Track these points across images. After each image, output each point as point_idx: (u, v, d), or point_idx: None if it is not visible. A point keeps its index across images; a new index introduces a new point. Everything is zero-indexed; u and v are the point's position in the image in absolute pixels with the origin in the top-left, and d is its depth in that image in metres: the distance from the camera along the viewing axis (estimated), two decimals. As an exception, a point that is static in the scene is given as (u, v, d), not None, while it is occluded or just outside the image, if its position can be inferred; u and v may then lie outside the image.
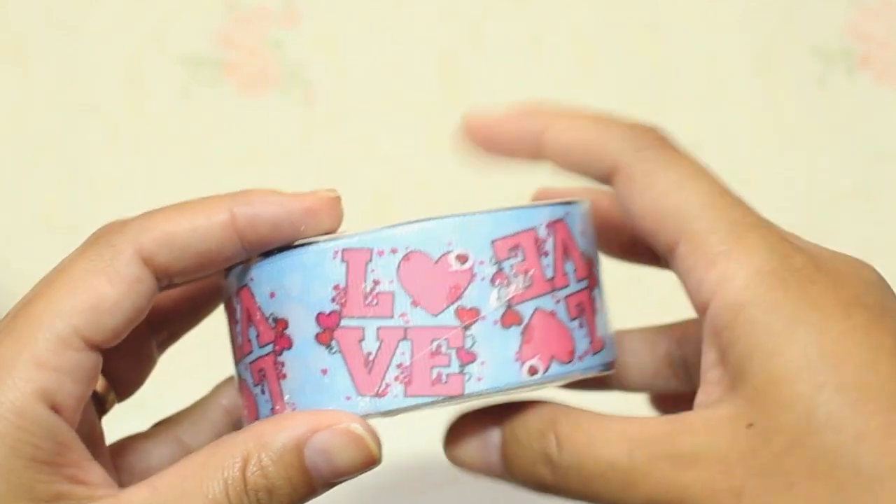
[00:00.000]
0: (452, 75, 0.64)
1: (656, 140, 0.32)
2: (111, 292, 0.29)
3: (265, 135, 0.63)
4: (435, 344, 0.29)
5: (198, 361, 0.60)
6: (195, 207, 0.32)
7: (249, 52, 0.64)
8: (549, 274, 0.31)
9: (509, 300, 0.30)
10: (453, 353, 0.29)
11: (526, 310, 0.30)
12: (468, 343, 0.30)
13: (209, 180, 0.62)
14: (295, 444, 0.29)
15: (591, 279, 0.33)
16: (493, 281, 0.30)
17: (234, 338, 0.33)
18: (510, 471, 0.32)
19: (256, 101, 0.63)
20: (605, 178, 0.32)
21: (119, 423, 0.60)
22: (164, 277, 0.31)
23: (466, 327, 0.30)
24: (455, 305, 0.29)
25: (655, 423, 0.30)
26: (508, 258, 0.30)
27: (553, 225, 0.32)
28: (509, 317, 0.30)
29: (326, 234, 0.30)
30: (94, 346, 0.30)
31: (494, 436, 0.32)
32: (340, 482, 0.30)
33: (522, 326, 0.30)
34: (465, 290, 0.30)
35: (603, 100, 0.64)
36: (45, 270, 0.64)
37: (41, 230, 0.61)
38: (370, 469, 0.30)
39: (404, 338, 0.29)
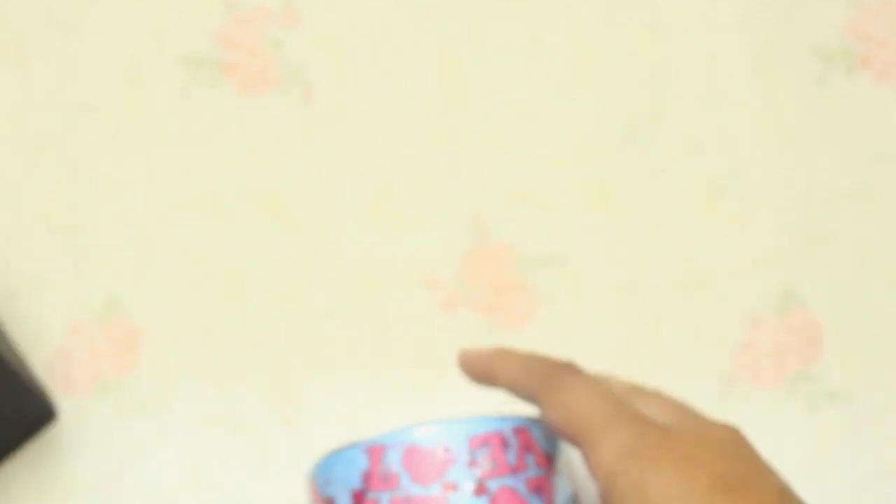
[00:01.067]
0: (452, 75, 0.64)
1: (561, 371, 0.43)
2: None
3: (265, 135, 0.63)
4: None
5: (198, 363, 0.61)
6: None
7: (249, 52, 0.64)
8: (513, 461, 0.43)
9: (480, 477, 0.42)
10: None
11: (493, 485, 0.42)
12: None
13: (209, 180, 0.62)
14: None
15: (551, 469, 0.44)
16: (469, 464, 0.42)
17: None
18: None
19: (256, 101, 0.63)
20: (532, 401, 0.44)
21: (120, 424, 0.60)
22: None
23: (448, 496, 0.42)
24: (441, 481, 0.42)
25: None
26: (480, 449, 0.43)
27: (517, 430, 0.44)
28: (480, 489, 0.42)
29: None
30: None
31: None
32: None
33: (490, 496, 0.42)
34: (447, 470, 0.42)
35: (603, 100, 0.64)
36: (45, 270, 0.64)
37: (41, 230, 0.61)
38: None
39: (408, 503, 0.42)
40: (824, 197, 0.63)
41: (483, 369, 0.47)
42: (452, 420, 0.44)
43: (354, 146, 0.63)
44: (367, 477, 0.42)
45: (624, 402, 0.42)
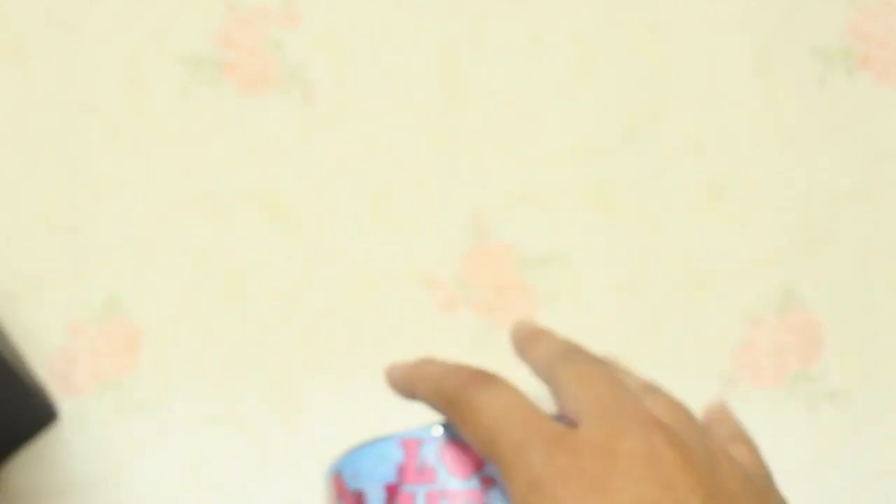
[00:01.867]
0: (452, 75, 0.64)
1: (476, 381, 0.40)
2: None
3: (265, 135, 0.63)
4: (464, 501, 0.41)
5: (198, 363, 0.60)
6: None
7: (249, 52, 0.64)
8: None
9: None
10: None
11: None
12: (487, 500, 0.41)
13: (209, 180, 0.62)
14: None
15: None
16: None
17: None
18: None
19: (256, 101, 0.63)
20: (448, 416, 0.41)
21: (120, 424, 0.60)
22: None
23: (486, 491, 0.41)
24: (479, 475, 0.41)
25: None
26: None
27: None
28: None
29: None
30: None
31: None
32: None
33: None
34: (485, 465, 0.41)
35: (603, 100, 0.64)
36: (45, 270, 0.64)
37: (41, 230, 0.61)
38: None
39: (444, 497, 0.41)
40: (824, 197, 0.63)
41: (404, 381, 0.44)
42: None
43: (354, 146, 0.63)
44: (402, 470, 0.42)
45: (538, 414, 0.38)
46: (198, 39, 0.64)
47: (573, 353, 0.41)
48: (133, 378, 0.60)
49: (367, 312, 0.61)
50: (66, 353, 0.60)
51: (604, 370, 0.40)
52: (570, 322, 0.61)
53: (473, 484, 0.41)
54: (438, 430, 0.42)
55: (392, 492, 0.42)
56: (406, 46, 0.65)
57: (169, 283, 0.61)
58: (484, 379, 0.40)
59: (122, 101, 0.63)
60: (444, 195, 0.63)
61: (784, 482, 0.59)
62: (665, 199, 0.63)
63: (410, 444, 0.42)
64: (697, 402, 0.60)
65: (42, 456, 0.58)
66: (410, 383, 0.44)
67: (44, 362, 0.60)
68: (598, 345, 0.61)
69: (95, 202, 0.62)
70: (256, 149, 0.63)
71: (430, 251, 0.62)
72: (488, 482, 0.41)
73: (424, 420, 0.59)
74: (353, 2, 0.65)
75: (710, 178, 0.63)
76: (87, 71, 0.63)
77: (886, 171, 0.63)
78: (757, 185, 0.63)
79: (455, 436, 0.42)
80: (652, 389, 0.41)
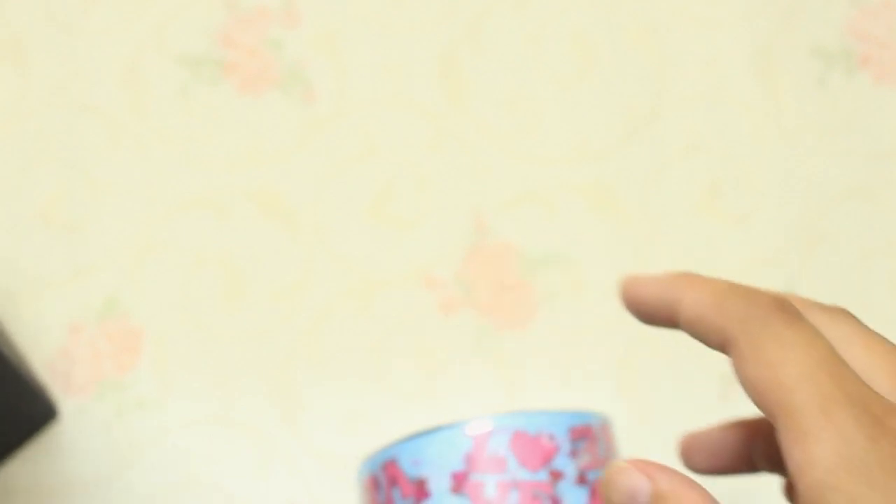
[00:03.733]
0: (452, 75, 0.64)
1: (769, 311, 0.32)
2: None
3: (265, 135, 0.63)
4: (534, 492, 0.42)
5: (197, 363, 0.60)
6: None
7: (249, 52, 0.64)
8: (602, 454, 0.44)
9: (581, 468, 0.42)
10: (547, 499, 0.42)
11: (591, 476, 0.43)
12: (556, 493, 0.42)
13: (209, 180, 0.62)
14: None
15: None
16: (570, 454, 0.43)
17: (377, 501, 0.46)
18: None
19: (256, 101, 0.63)
20: (723, 349, 0.33)
21: (120, 424, 0.60)
22: None
23: (555, 483, 0.42)
24: (548, 468, 0.42)
25: None
26: (579, 440, 0.43)
27: (604, 426, 0.45)
28: (581, 479, 0.42)
29: None
30: None
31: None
32: None
33: (589, 486, 0.42)
34: (553, 458, 0.42)
35: (603, 100, 0.64)
36: (45, 270, 0.64)
37: (41, 230, 0.61)
38: None
39: (514, 488, 0.41)
40: (824, 197, 0.63)
41: (659, 299, 0.36)
42: (549, 410, 0.44)
43: (354, 146, 0.63)
44: (470, 459, 0.42)
45: (849, 373, 0.30)
46: (198, 39, 0.64)
47: (768, 315, 0.33)
48: (133, 378, 0.60)
49: (367, 312, 0.61)
50: (66, 352, 0.60)
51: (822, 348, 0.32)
52: (570, 322, 0.61)
53: (542, 476, 0.42)
54: (509, 421, 0.42)
55: (459, 480, 0.42)
56: (406, 46, 0.65)
57: (169, 283, 0.61)
58: (784, 307, 0.32)
59: (122, 101, 0.63)
60: (445, 195, 0.63)
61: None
62: (665, 199, 0.63)
63: (480, 434, 0.42)
64: (698, 402, 0.60)
65: (42, 456, 0.58)
66: (669, 301, 0.35)
67: (44, 362, 0.60)
68: (598, 345, 0.61)
69: (95, 202, 0.62)
70: (256, 149, 0.63)
71: (430, 251, 0.62)
72: (557, 475, 0.42)
73: (433, 417, 0.59)
74: (353, 2, 0.65)
75: (710, 178, 0.63)
76: (87, 71, 0.63)
77: (886, 171, 0.63)
78: (757, 185, 0.63)
79: (522, 427, 0.43)
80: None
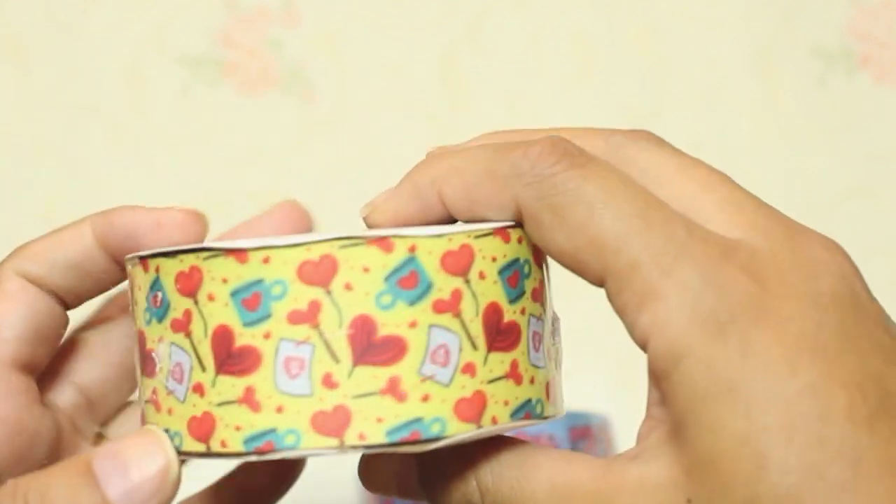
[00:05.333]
0: (452, 75, 0.64)
1: (558, 163, 0.26)
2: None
3: (265, 135, 0.63)
4: None
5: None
6: (62, 228, 0.35)
7: (249, 52, 0.64)
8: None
9: None
10: None
11: None
12: None
13: (209, 180, 0.62)
14: None
15: None
16: None
17: None
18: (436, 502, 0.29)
19: (256, 101, 0.63)
20: (517, 221, 0.28)
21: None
22: (53, 294, 0.33)
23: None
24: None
25: (587, 474, 0.27)
26: (579, 441, 0.43)
27: (602, 425, 0.45)
28: None
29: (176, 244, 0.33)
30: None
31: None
32: None
33: None
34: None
35: (603, 100, 0.64)
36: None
37: (41, 230, 0.61)
38: None
39: None
40: (824, 197, 0.63)
41: (420, 208, 0.30)
42: None
43: (354, 146, 0.63)
44: None
45: (672, 215, 0.26)
46: (198, 39, 0.64)
47: (558, 171, 0.27)
48: (133, 378, 0.60)
49: (367, 312, 0.61)
50: (66, 353, 0.60)
51: (716, 171, 0.28)
52: (570, 322, 0.61)
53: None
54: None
55: None
56: (406, 46, 0.65)
57: (169, 283, 0.61)
58: (572, 155, 0.27)
59: (122, 101, 0.63)
60: (444, 195, 0.63)
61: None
62: (665, 199, 0.63)
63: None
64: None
65: (42, 456, 0.58)
66: (429, 188, 0.30)
67: (44, 362, 0.60)
68: (599, 345, 0.61)
69: (95, 202, 0.62)
70: (256, 149, 0.63)
71: (430, 251, 0.62)
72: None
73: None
74: (353, 2, 0.65)
75: (710, 178, 0.63)
76: (87, 71, 0.63)
77: (886, 171, 0.63)
78: (757, 184, 0.63)
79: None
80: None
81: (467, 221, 0.29)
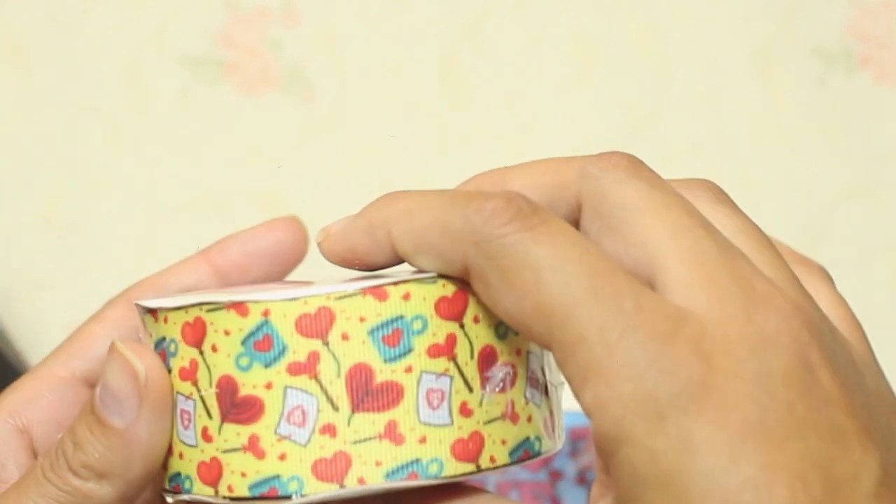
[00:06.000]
0: (452, 75, 0.64)
1: (510, 223, 0.26)
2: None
3: (265, 135, 0.63)
4: (534, 492, 0.41)
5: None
6: (177, 263, 0.37)
7: (249, 52, 0.64)
8: None
9: (580, 468, 0.42)
10: (546, 499, 0.42)
11: (590, 476, 0.42)
12: (556, 492, 0.41)
13: (209, 180, 0.62)
14: None
15: None
16: (570, 454, 0.43)
17: None
18: None
19: (256, 101, 0.63)
20: (462, 277, 0.27)
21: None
22: None
23: (555, 483, 0.41)
24: (548, 468, 0.41)
25: None
26: (579, 441, 0.43)
27: None
28: (580, 479, 0.42)
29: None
30: None
31: None
32: None
33: (588, 486, 0.42)
34: (553, 458, 0.41)
35: (603, 100, 0.64)
36: (45, 270, 0.64)
37: (41, 230, 0.61)
38: None
39: (514, 487, 0.41)
40: (824, 197, 0.63)
41: (365, 228, 0.30)
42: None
43: (354, 146, 0.63)
44: None
45: (625, 281, 0.25)
46: (198, 39, 0.64)
47: (508, 231, 0.26)
48: (133, 378, 0.60)
49: (367, 312, 0.61)
50: (66, 353, 0.60)
51: (694, 213, 0.27)
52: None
53: (542, 476, 0.41)
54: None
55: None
56: (406, 46, 0.65)
57: (169, 283, 0.61)
58: (526, 213, 0.26)
59: (122, 101, 0.63)
60: (444, 195, 0.62)
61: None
62: (665, 199, 0.63)
63: None
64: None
65: (42, 456, 0.58)
66: (380, 228, 0.29)
67: (44, 362, 0.59)
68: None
69: (95, 202, 0.62)
70: (256, 149, 0.63)
71: (430, 251, 0.62)
72: (556, 475, 0.41)
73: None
74: (353, 2, 0.65)
75: (709, 177, 0.63)
76: (87, 71, 0.63)
77: (886, 171, 0.63)
78: (757, 185, 0.63)
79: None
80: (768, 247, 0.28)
81: (415, 267, 0.28)
